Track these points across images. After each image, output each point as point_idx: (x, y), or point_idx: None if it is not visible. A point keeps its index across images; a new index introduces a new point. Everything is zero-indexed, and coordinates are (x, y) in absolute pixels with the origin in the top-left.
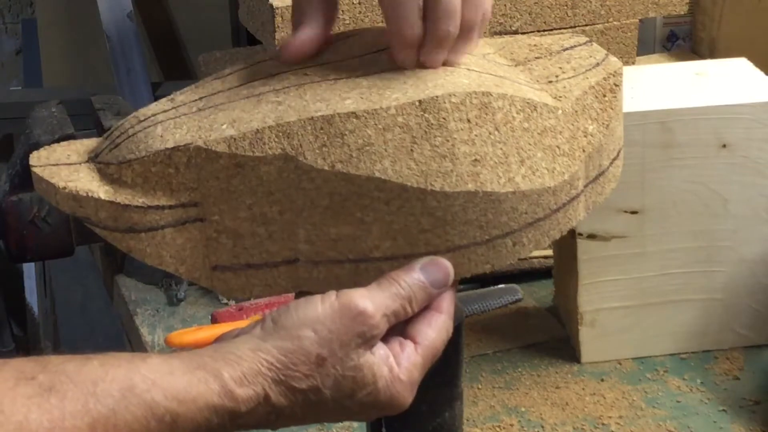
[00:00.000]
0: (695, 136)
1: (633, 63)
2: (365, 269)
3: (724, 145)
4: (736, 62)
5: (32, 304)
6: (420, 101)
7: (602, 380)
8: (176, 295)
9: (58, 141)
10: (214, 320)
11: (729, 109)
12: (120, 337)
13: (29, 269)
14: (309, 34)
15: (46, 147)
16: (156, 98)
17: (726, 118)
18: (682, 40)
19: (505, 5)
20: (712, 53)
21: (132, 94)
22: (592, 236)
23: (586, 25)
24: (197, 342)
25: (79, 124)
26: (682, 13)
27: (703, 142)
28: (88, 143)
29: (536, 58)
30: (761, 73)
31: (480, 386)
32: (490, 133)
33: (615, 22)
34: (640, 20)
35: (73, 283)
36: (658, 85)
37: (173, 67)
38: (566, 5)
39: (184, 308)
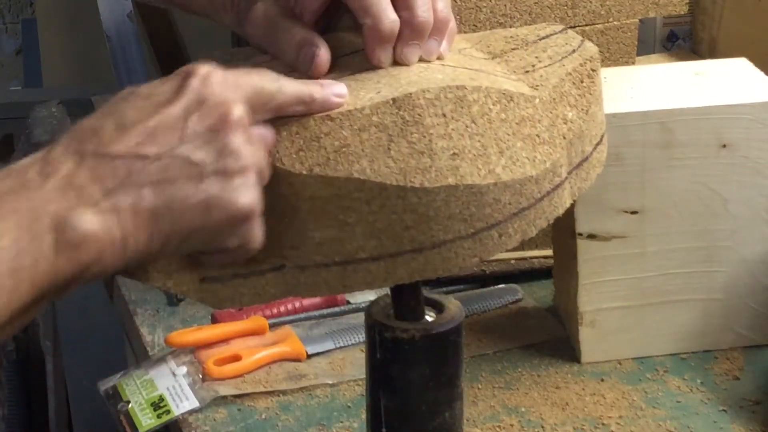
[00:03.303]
0: (695, 136)
1: (633, 63)
2: (353, 271)
3: (724, 145)
4: (736, 62)
5: None
6: (394, 99)
7: (602, 380)
8: (176, 295)
9: None
10: (214, 320)
11: (729, 109)
12: (120, 337)
13: None
14: (327, 55)
15: None
16: None
17: (726, 118)
18: (682, 40)
19: (505, 5)
20: (712, 53)
21: None
22: (592, 236)
23: (586, 25)
24: (197, 342)
25: None
26: (682, 13)
27: (703, 142)
28: None
29: (512, 49)
30: (761, 73)
31: (480, 386)
32: (467, 126)
33: (615, 22)
34: (640, 20)
35: None
36: (658, 85)
37: (173, 67)
38: (566, 5)
39: (184, 308)
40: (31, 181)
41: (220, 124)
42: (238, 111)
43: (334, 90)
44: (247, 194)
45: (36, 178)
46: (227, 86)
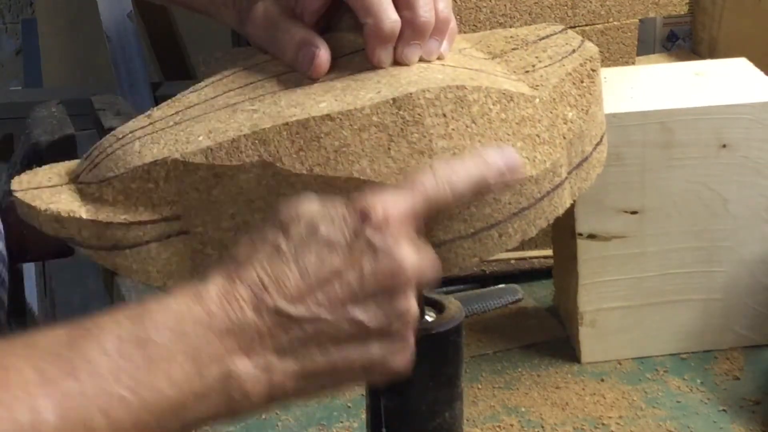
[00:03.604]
0: (695, 136)
1: (633, 63)
2: None
3: (724, 145)
4: (736, 62)
5: (32, 304)
6: (394, 99)
7: (602, 380)
8: None
9: (58, 141)
10: None
11: (729, 109)
12: None
13: (29, 269)
14: (327, 56)
15: (28, 171)
16: (156, 98)
17: (726, 118)
18: (682, 40)
19: (505, 5)
20: (712, 53)
21: (132, 94)
22: (592, 236)
23: (586, 25)
24: None
25: (79, 124)
26: (682, 13)
27: (703, 142)
28: (69, 165)
29: (513, 49)
30: (761, 73)
31: (480, 386)
32: (467, 126)
33: (615, 22)
34: (640, 20)
35: (73, 283)
36: (658, 85)
37: (173, 67)
38: (566, 5)
39: None
40: (208, 320)
41: (392, 284)
42: (411, 266)
43: (505, 160)
44: (405, 355)
45: (217, 318)
46: (402, 231)
